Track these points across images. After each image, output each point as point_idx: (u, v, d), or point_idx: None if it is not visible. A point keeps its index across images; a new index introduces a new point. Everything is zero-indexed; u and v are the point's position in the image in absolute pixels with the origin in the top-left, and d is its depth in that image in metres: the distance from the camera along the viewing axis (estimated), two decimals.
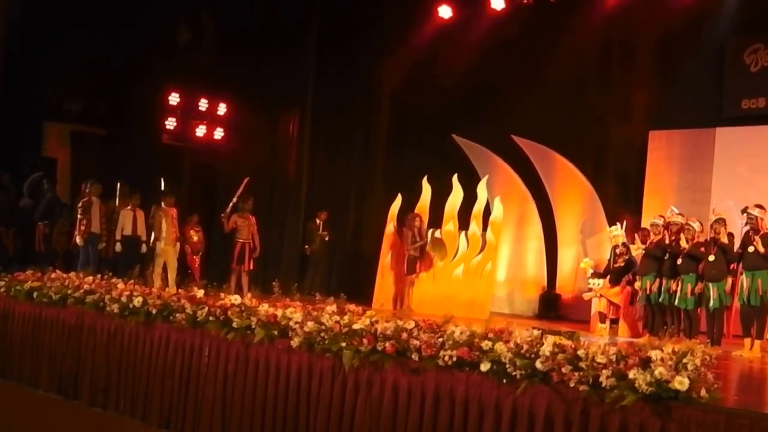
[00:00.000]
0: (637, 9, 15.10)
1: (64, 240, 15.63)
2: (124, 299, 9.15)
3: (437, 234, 15.32)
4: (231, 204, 14.51)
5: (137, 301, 8.97)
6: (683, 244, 11.68)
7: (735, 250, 11.50)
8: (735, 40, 14.73)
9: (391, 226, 15.69)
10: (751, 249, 10.80)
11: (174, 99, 18.02)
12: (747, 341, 10.89)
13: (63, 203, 16.64)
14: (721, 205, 12.58)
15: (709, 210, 12.33)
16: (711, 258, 11.25)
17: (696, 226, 11.76)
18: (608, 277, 13.24)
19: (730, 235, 11.72)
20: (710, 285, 11.22)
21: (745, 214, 11.12)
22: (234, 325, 7.91)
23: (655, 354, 5.64)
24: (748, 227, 11.07)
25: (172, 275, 14.01)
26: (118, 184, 15.10)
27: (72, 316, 9.82)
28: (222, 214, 14.56)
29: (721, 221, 11.41)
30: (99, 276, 10.44)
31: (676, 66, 14.84)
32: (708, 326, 11.49)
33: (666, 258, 11.90)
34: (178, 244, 14.59)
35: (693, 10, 14.30)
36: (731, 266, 11.41)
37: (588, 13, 15.33)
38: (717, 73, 14.83)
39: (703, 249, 11.50)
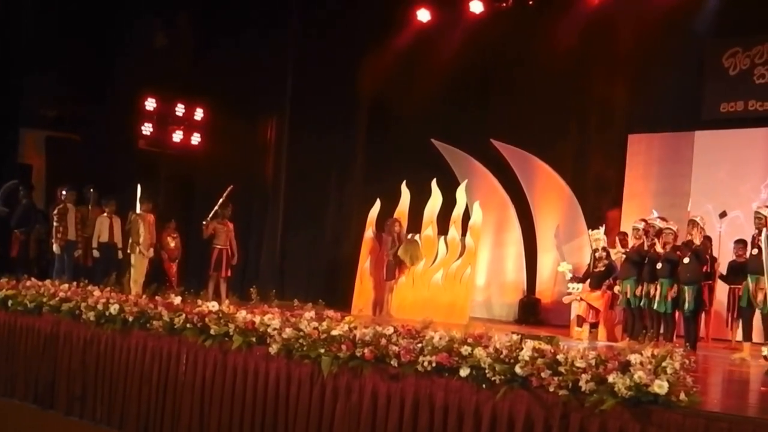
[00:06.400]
0: (616, 12, 15.13)
1: (39, 247, 15.50)
2: (100, 307, 9.08)
3: (416, 237, 15.26)
4: (213, 211, 14.47)
5: (114, 308, 8.89)
6: (659, 248, 11.69)
7: (711, 253, 11.56)
8: (714, 44, 14.78)
9: (370, 232, 15.64)
10: (755, 251, 10.71)
11: (150, 104, 17.89)
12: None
13: (39, 210, 16.49)
14: (699, 208, 12.63)
15: (687, 214, 12.36)
16: (686, 261, 11.26)
17: (674, 229, 11.78)
18: (588, 281, 13.25)
19: (707, 239, 11.74)
20: (686, 288, 11.22)
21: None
22: (212, 332, 7.87)
23: (634, 358, 5.65)
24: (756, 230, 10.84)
25: (140, 280, 13.90)
26: (91, 190, 14.97)
27: (47, 324, 9.72)
28: (204, 221, 14.50)
29: (693, 223, 11.43)
30: (75, 283, 10.33)
31: (655, 69, 14.84)
32: (685, 330, 11.50)
33: (645, 262, 11.91)
34: (152, 249, 14.52)
35: (672, 14, 14.31)
36: (705, 269, 11.42)
37: (567, 16, 15.34)
38: (696, 77, 14.87)
39: (679, 252, 11.52)
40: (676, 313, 11.63)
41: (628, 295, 12.03)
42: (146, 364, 8.54)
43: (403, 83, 16.67)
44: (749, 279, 10.73)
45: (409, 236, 15.18)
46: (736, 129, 14.48)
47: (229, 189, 14.59)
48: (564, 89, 15.64)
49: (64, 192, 14.65)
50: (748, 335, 11.04)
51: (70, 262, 14.28)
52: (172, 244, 15.85)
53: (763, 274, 10.41)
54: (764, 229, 10.17)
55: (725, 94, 14.56)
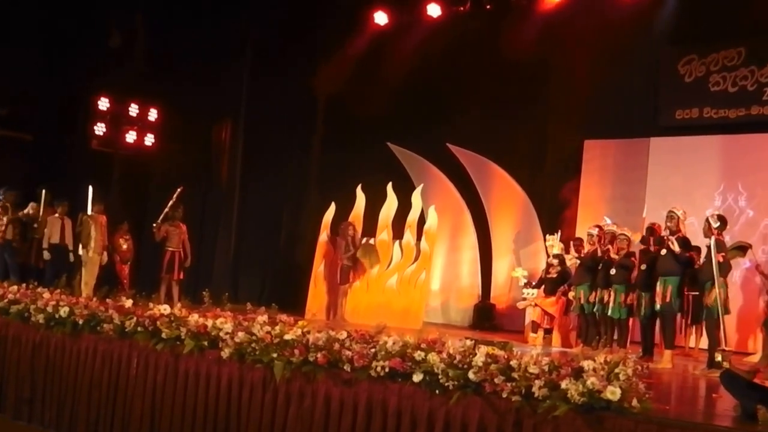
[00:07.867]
0: (573, 19, 15.18)
1: None
2: (50, 309, 8.93)
3: (371, 241, 15.22)
4: (163, 213, 14.32)
5: (64, 311, 8.77)
6: (613, 254, 11.75)
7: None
8: (670, 51, 14.88)
9: (324, 235, 15.59)
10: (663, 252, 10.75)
11: (104, 104, 17.69)
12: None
13: None
14: (653, 214, 12.69)
15: (641, 220, 12.43)
16: (643, 267, 11.30)
17: (628, 235, 11.84)
18: (542, 287, 13.29)
19: None
20: (643, 294, 11.25)
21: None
22: (163, 335, 7.78)
23: (587, 364, 5.66)
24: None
25: (91, 282, 13.72)
26: (43, 191, 14.75)
27: None
28: (154, 224, 14.35)
29: (650, 230, 11.48)
30: (24, 285, 10.16)
31: (611, 76, 14.88)
32: (642, 336, 11.53)
33: (599, 268, 11.94)
34: (105, 252, 14.34)
35: (629, 21, 14.41)
36: None
37: (524, 22, 15.40)
38: (652, 84, 14.98)
39: (634, 259, 11.57)
40: (630, 320, 11.68)
41: (582, 301, 12.05)
42: (96, 367, 8.41)
43: (359, 86, 16.60)
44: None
45: (364, 240, 15.14)
46: (691, 136, 14.59)
47: (178, 191, 14.46)
48: (521, 94, 15.65)
49: (2, 192, 14.41)
50: (670, 342, 10.83)
51: (13, 264, 14.08)
52: (125, 246, 15.71)
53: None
54: (711, 238, 10.20)
55: (681, 101, 14.66)
